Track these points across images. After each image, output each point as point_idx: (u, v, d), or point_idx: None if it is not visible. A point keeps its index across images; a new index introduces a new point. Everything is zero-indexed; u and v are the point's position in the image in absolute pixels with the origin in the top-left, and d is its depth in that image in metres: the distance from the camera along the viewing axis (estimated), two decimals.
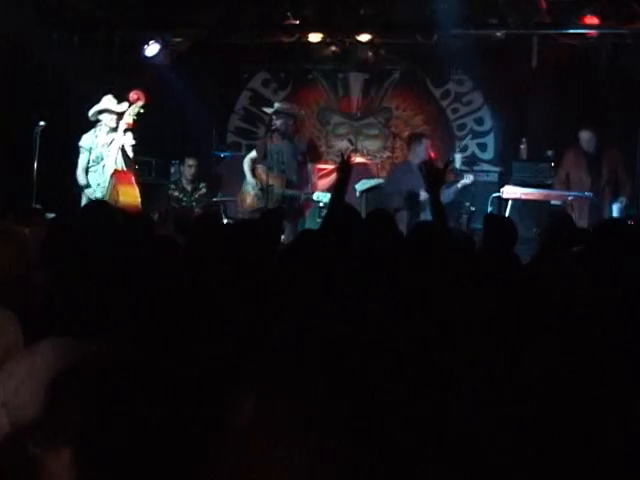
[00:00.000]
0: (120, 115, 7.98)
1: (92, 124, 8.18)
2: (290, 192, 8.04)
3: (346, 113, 10.72)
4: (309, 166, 8.27)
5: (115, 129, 7.99)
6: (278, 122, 8.14)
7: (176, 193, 9.09)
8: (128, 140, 7.96)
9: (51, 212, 6.73)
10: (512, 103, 9.85)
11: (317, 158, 8.75)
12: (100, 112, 8.05)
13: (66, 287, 2.34)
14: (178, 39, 9.92)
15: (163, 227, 6.57)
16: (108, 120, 8.01)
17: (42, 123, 8.06)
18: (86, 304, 2.27)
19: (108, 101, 8.03)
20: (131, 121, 7.94)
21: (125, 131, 7.96)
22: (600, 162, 7.92)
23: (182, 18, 9.60)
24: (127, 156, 7.98)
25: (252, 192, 8.27)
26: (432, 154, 8.39)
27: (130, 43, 9.78)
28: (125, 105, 8.00)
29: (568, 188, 8.03)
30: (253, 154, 8.40)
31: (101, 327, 2.23)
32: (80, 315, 2.23)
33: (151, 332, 2.21)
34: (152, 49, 9.60)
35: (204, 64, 10.29)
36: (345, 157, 4.85)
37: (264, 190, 8.03)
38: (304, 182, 8.19)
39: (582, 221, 7.40)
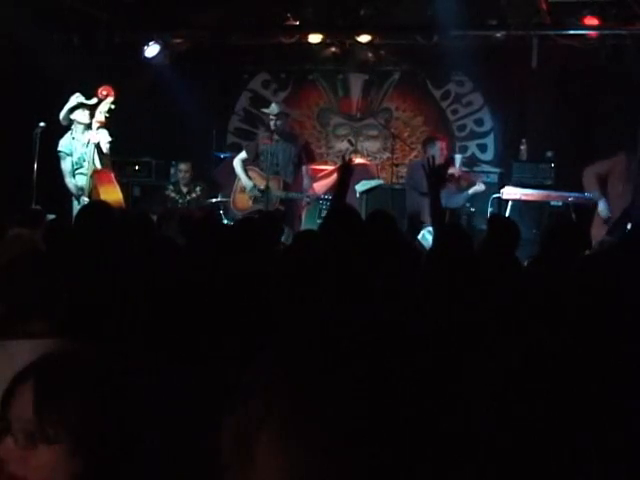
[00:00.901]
0: (92, 111, 7.94)
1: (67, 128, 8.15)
2: (293, 194, 7.97)
3: (346, 114, 10.72)
4: (304, 167, 8.20)
5: (89, 126, 7.95)
6: (279, 122, 8.09)
7: (173, 194, 9.09)
8: (103, 138, 7.89)
9: (51, 213, 6.72)
10: (512, 104, 9.86)
11: (312, 159, 8.68)
12: (72, 110, 7.98)
13: (65, 287, 2.34)
14: (178, 40, 9.92)
15: (164, 228, 6.52)
16: (82, 117, 7.95)
17: (42, 124, 8.05)
18: (85, 304, 2.27)
19: (77, 98, 7.98)
20: (103, 118, 7.89)
21: (98, 129, 7.91)
22: None
23: (182, 19, 9.60)
24: (102, 154, 7.91)
25: (247, 194, 8.17)
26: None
27: (130, 44, 9.79)
28: (95, 101, 7.97)
29: (599, 188, 7.45)
30: (243, 155, 8.28)
31: (100, 327, 2.23)
32: (79, 315, 2.23)
33: (151, 332, 2.21)
34: (152, 50, 9.61)
35: (204, 65, 10.28)
36: (346, 159, 4.87)
37: (261, 192, 7.96)
38: (300, 184, 8.13)
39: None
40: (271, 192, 7.86)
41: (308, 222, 8.35)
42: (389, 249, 3.45)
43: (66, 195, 8.94)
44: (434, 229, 4.46)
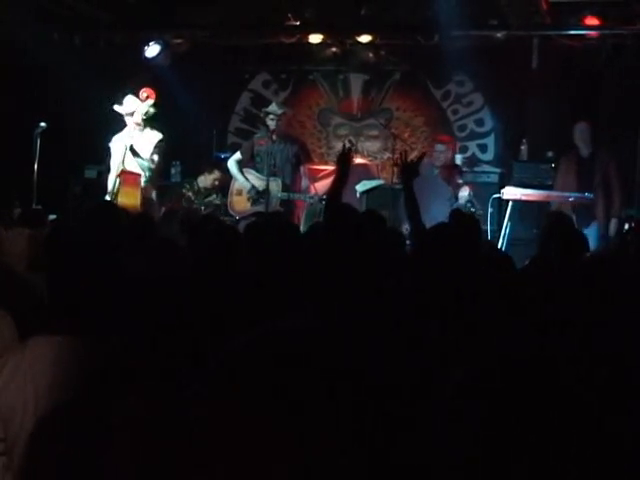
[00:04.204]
0: (131, 114, 7.85)
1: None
2: (294, 195, 7.93)
3: (346, 114, 10.72)
4: (302, 168, 8.17)
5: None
6: (280, 122, 8.07)
7: (189, 194, 9.04)
8: (148, 139, 7.77)
9: (52, 213, 6.73)
10: (513, 104, 9.85)
11: (309, 160, 8.64)
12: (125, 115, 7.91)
13: (66, 288, 2.35)
14: (178, 40, 9.93)
15: (167, 227, 6.49)
16: (129, 122, 7.87)
17: (43, 124, 8.03)
18: (85, 305, 2.27)
19: (127, 105, 7.87)
20: (139, 120, 7.82)
21: (136, 130, 7.81)
22: (592, 164, 7.78)
23: (183, 19, 9.61)
24: (138, 154, 7.76)
25: (245, 196, 8.12)
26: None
27: (131, 44, 9.79)
28: (137, 103, 7.88)
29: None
30: (238, 156, 8.20)
31: (100, 327, 2.23)
32: (79, 315, 2.23)
33: (150, 332, 2.21)
34: (153, 50, 9.61)
35: (205, 65, 10.29)
36: (345, 150, 4.84)
37: (259, 193, 7.91)
38: (298, 184, 8.10)
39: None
40: (272, 193, 7.81)
41: (307, 222, 8.34)
42: (378, 250, 3.47)
43: (67, 195, 8.95)
44: (410, 225, 4.35)
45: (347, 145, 5.19)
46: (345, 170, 4.62)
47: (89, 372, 1.99)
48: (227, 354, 0.85)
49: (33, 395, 1.97)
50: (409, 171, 4.43)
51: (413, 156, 9.53)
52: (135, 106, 7.82)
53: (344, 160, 4.66)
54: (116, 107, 7.83)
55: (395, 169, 9.29)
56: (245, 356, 0.83)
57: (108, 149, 7.96)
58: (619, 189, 7.74)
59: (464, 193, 8.04)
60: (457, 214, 4.95)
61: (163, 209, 8.29)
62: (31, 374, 1.94)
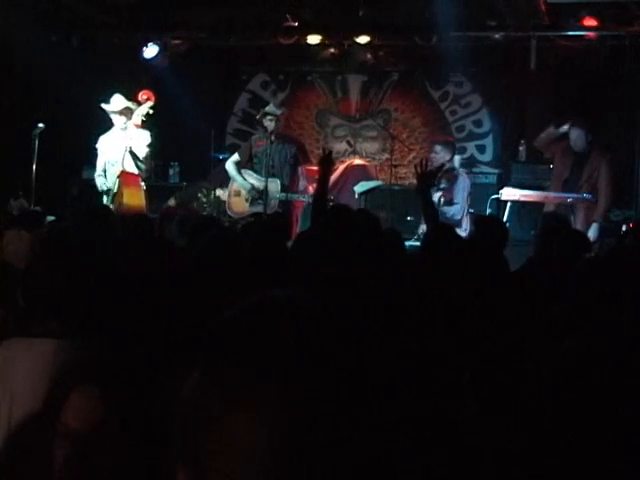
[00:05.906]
0: (129, 115, 7.81)
1: (98, 124, 8.03)
2: (293, 195, 7.91)
3: (345, 115, 10.72)
4: (300, 169, 8.15)
5: (125, 129, 7.82)
6: (279, 123, 8.05)
7: (204, 199, 9.00)
8: (140, 140, 7.69)
9: (50, 215, 6.71)
10: (511, 105, 9.87)
11: (307, 160, 8.61)
12: (112, 113, 7.86)
13: (63, 288, 2.34)
14: (177, 41, 9.93)
15: (165, 229, 6.45)
16: (117, 121, 7.82)
17: (41, 125, 8.00)
18: (83, 305, 2.27)
19: (115, 103, 7.83)
20: (139, 122, 7.79)
21: (135, 131, 7.77)
22: (585, 162, 7.54)
23: (181, 20, 9.61)
24: (137, 157, 7.71)
25: (243, 197, 8.08)
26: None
27: (129, 45, 9.79)
28: (134, 105, 7.84)
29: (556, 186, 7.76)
30: (236, 157, 8.17)
31: (98, 328, 2.23)
32: (77, 316, 2.23)
33: (146, 333, 2.21)
34: (151, 51, 9.61)
35: (203, 66, 10.29)
36: (326, 152, 5.01)
37: (259, 194, 7.89)
38: (297, 185, 8.08)
39: None
40: (270, 194, 7.78)
41: (306, 223, 8.32)
42: (373, 249, 3.48)
43: (65, 196, 8.94)
44: (428, 228, 4.52)
45: (327, 149, 5.36)
46: (327, 173, 4.75)
47: (66, 375, 1.96)
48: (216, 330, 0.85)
49: (7, 399, 1.94)
50: (427, 180, 4.61)
51: (411, 157, 9.65)
52: (123, 105, 7.78)
53: (325, 164, 4.78)
54: (104, 105, 7.81)
55: (393, 170, 9.31)
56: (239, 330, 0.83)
57: (95, 149, 7.93)
58: (607, 193, 7.44)
59: (434, 198, 8.06)
60: (479, 219, 5.05)
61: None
62: (3, 377, 1.91)
